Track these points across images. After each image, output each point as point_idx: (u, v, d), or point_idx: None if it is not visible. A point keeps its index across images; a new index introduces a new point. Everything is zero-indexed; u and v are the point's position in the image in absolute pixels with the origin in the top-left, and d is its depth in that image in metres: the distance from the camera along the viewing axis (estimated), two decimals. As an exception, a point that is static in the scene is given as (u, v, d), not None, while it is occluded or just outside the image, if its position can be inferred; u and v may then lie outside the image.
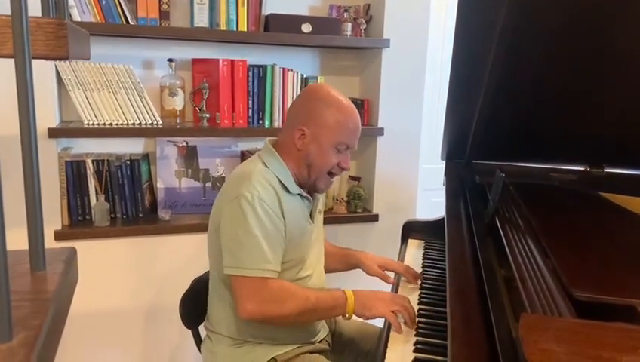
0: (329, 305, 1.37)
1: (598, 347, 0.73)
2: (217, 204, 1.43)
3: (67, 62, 2.02)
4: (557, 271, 0.97)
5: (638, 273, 1.00)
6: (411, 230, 2.00)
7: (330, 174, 1.46)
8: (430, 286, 1.58)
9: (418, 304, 1.47)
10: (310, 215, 1.49)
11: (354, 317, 1.70)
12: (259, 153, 1.47)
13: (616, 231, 1.29)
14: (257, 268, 1.31)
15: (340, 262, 1.69)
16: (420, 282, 1.59)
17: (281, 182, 1.39)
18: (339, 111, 1.40)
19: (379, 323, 1.50)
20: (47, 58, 0.58)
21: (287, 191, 1.40)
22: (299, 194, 1.43)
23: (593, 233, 1.25)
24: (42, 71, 1.93)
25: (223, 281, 1.42)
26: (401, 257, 1.83)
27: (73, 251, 0.62)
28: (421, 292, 1.54)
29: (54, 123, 2.01)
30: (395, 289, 1.59)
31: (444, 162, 1.97)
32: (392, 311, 1.33)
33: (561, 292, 0.91)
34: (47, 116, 1.98)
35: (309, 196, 1.47)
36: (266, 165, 1.41)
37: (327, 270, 1.66)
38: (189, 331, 1.63)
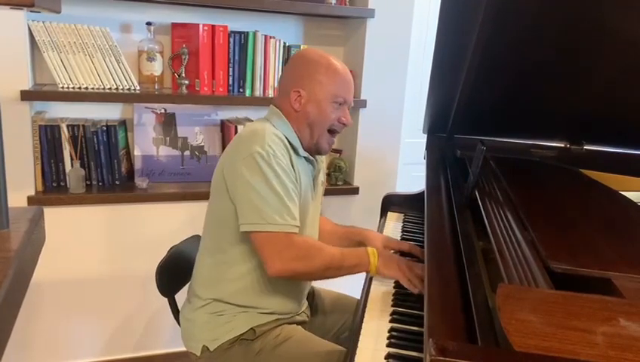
0: (353, 262, 1.39)
1: (574, 317, 0.73)
2: (228, 161, 1.39)
3: (40, 21, 1.95)
4: (535, 244, 0.98)
5: (613, 246, 1.01)
6: (391, 203, 2.00)
7: (332, 132, 1.47)
8: (407, 257, 1.58)
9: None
10: (313, 181, 1.50)
11: (331, 289, 1.70)
12: (266, 116, 1.49)
13: (593, 206, 1.30)
14: (283, 223, 1.31)
15: (343, 238, 1.66)
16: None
17: (290, 142, 1.41)
18: (330, 66, 1.43)
19: (356, 294, 1.50)
20: (9, 4, 0.54)
21: (296, 152, 1.42)
22: (305, 157, 1.45)
23: (571, 207, 1.26)
24: (13, 30, 1.85)
25: (227, 241, 1.40)
26: (380, 230, 1.83)
27: (40, 210, 0.59)
28: (399, 264, 1.55)
29: (27, 85, 1.94)
30: None
31: (425, 136, 1.96)
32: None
33: (538, 264, 0.91)
34: (19, 78, 1.91)
35: (313, 159, 1.49)
36: (274, 126, 1.42)
37: None
38: (166, 300, 1.62)
